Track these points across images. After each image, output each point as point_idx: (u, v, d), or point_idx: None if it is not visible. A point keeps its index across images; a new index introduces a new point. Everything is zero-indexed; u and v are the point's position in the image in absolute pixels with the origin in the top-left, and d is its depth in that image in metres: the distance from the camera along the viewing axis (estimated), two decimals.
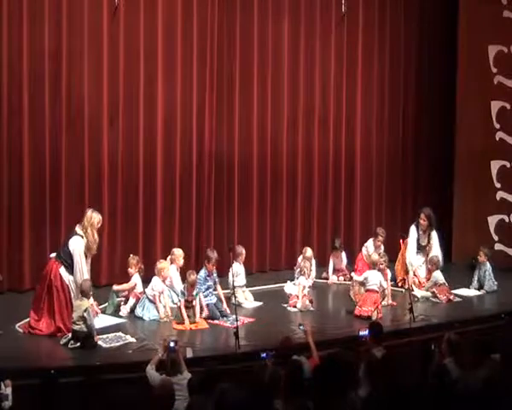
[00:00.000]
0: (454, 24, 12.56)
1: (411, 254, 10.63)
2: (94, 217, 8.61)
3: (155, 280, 9.21)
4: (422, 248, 10.74)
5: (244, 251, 10.06)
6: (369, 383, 5.95)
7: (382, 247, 10.98)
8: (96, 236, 8.61)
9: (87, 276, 8.47)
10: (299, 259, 10.64)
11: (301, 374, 5.88)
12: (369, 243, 11.09)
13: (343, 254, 11.34)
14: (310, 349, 7.20)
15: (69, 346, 7.87)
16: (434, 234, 10.74)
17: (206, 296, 9.17)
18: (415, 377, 5.80)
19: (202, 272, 9.27)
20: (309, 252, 10.62)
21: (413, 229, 10.76)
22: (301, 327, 7.61)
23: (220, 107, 11.31)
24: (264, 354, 6.91)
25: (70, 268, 8.41)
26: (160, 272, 9.23)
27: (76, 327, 7.93)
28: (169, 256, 9.71)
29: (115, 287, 9.35)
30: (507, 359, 6.33)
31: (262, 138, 11.67)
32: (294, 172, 11.99)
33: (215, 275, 9.41)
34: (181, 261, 9.64)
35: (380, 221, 12.24)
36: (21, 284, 9.99)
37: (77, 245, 8.45)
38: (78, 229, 8.56)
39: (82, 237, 8.51)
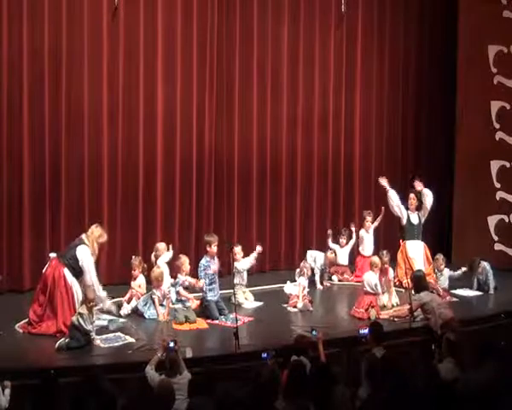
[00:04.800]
0: (454, 24, 12.56)
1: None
2: (98, 230, 8.75)
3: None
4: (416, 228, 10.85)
5: (240, 252, 9.99)
6: (369, 383, 5.96)
7: (371, 228, 11.17)
8: (96, 249, 8.72)
9: (97, 284, 8.57)
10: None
11: (303, 375, 5.89)
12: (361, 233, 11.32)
13: (347, 248, 11.33)
14: (318, 355, 7.16)
15: (56, 345, 7.80)
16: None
17: (210, 291, 9.14)
18: (415, 377, 5.80)
19: (203, 260, 9.22)
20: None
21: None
22: (314, 332, 7.44)
23: (220, 107, 11.31)
24: (264, 354, 6.91)
25: (74, 270, 8.49)
26: (157, 280, 9.16)
27: (73, 318, 7.94)
28: (153, 253, 9.72)
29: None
30: (506, 359, 6.34)
31: (262, 138, 11.68)
32: (294, 172, 11.99)
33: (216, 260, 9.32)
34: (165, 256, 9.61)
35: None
36: (21, 284, 10.00)
37: (85, 255, 8.53)
38: (84, 238, 8.65)
39: (88, 246, 8.60)
